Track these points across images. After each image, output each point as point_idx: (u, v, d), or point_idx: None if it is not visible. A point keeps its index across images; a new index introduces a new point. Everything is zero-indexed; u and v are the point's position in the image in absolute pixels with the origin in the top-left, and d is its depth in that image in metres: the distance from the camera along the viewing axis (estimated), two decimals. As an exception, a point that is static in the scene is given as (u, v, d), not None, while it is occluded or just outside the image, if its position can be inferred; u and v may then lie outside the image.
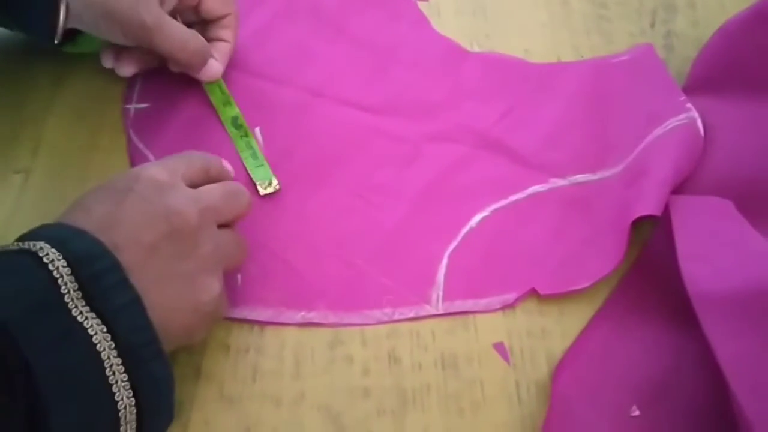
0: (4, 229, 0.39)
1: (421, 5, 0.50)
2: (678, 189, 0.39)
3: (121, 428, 0.28)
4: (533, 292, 0.38)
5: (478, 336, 0.37)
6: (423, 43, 0.47)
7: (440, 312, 0.38)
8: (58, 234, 0.29)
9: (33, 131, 0.43)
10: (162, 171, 0.33)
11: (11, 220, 0.40)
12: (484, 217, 0.41)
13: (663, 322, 0.37)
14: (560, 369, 0.36)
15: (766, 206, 0.38)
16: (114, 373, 0.27)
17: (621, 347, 0.36)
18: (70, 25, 0.38)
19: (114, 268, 0.28)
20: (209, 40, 0.43)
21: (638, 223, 0.38)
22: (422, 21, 0.49)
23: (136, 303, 0.29)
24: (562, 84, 0.45)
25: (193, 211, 0.32)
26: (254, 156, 0.42)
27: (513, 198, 0.41)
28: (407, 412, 0.35)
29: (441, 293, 0.38)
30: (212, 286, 0.33)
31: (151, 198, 0.32)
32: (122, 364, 0.28)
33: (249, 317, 0.37)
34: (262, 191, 0.41)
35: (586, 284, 0.38)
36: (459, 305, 0.38)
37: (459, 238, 0.40)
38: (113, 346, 0.27)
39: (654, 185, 0.38)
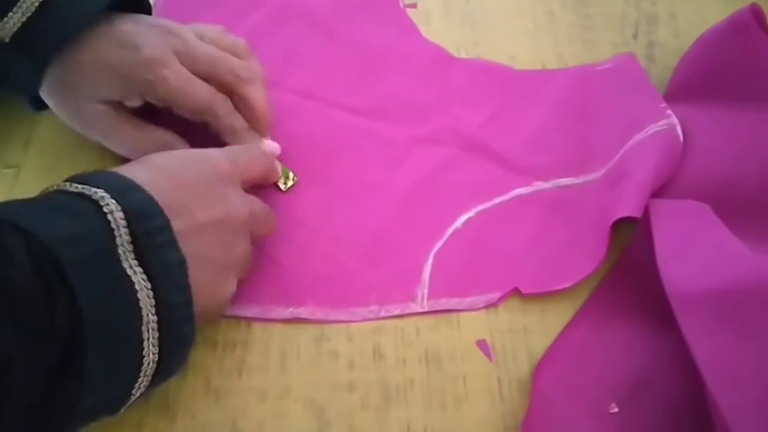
0: (-6, 223, 0.40)
1: (411, 12, 0.51)
2: (657, 193, 0.40)
3: (139, 380, 0.29)
4: (516, 292, 0.39)
5: (462, 333, 0.38)
6: (412, 49, 0.49)
7: (425, 310, 0.38)
8: (118, 184, 0.30)
9: (25, 127, 0.44)
10: (227, 163, 0.35)
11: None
12: (469, 218, 0.41)
13: (642, 321, 0.37)
14: (541, 366, 0.36)
15: (741, 209, 0.39)
16: (148, 330, 0.28)
17: (601, 345, 0.37)
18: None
19: (166, 227, 0.30)
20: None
21: (618, 225, 0.39)
22: (411, 27, 0.50)
23: (181, 265, 0.30)
24: (546, 90, 0.46)
25: (246, 212, 0.35)
26: None
27: (497, 200, 0.42)
28: (391, 407, 0.35)
29: (426, 291, 0.39)
30: (232, 285, 0.35)
31: (213, 184, 0.34)
32: (157, 322, 0.29)
33: (239, 314, 0.38)
34: (283, 187, 0.42)
35: (567, 284, 0.39)
36: (443, 303, 0.39)
37: (444, 238, 0.40)
38: (153, 303, 0.28)
39: (634, 188, 0.39)
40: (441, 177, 0.43)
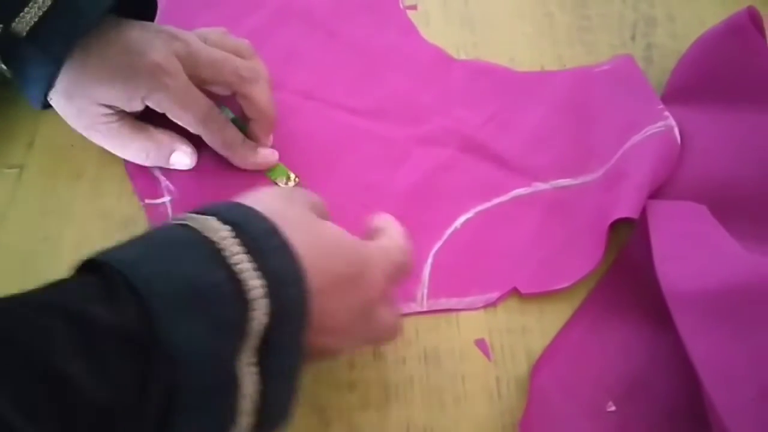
0: (-2, 223, 0.40)
1: (411, 14, 0.51)
2: (655, 194, 0.40)
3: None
4: (515, 291, 0.39)
5: (461, 332, 0.38)
6: (412, 50, 0.49)
7: (425, 309, 0.39)
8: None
9: (28, 127, 0.44)
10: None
11: (5, 215, 0.41)
12: (468, 219, 0.42)
13: (639, 320, 0.38)
14: (539, 365, 0.37)
15: (737, 210, 0.39)
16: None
17: (598, 345, 0.37)
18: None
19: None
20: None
21: (616, 226, 0.39)
22: (411, 29, 0.50)
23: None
24: (545, 91, 0.47)
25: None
26: None
27: (496, 201, 0.42)
28: (390, 406, 0.36)
29: (426, 291, 0.39)
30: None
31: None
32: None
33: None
34: (283, 187, 0.42)
35: (565, 284, 0.39)
36: (443, 303, 0.39)
37: (444, 238, 0.41)
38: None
39: (632, 189, 0.39)
40: (440, 177, 0.43)
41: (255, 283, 0.25)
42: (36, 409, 0.20)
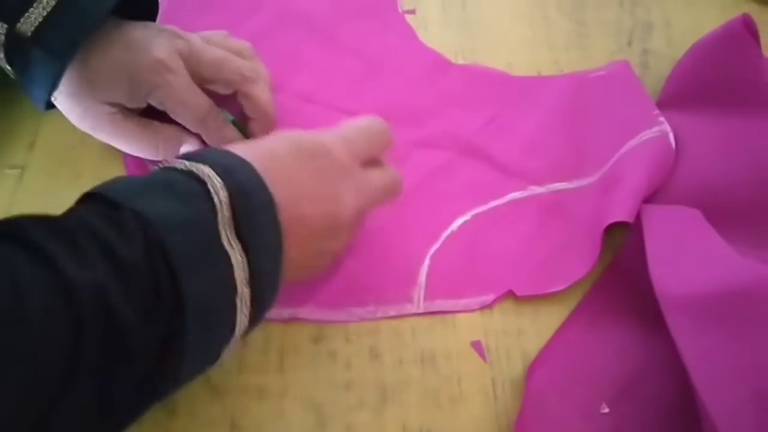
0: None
1: (409, 18, 0.51)
2: (649, 198, 0.41)
3: (230, 344, 0.30)
4: (510, 294, 0.40)
5: (457, 334, 0.39)
6: (410, 54, 0.49)
7: (421, 311, 0.39)
8: (225, 162, 0.31)
9: (29, 127, 0.44)
10: (345, 152, 0.35)
11: (6, 216, 0.41)
12: (465, 221, 0.42)
13: (633, 323, 0.38)
14: (534, 367, 0.37)
15: (731, 215, 0.40)
16: (241, 301, 0.29)
17: (593, 347, 0.38)
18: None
19: (268, 206, 0.30)
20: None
21: (611, 229, 0.40)
22: (409, 33, 0.50)
23: (278, 247, 0.31)
24: (542, 96, 0.47)
25: (354, 207, 0.35)
26: None
27: (493, 204, 0.43)
28: (387, 406, 0.36)
29: (422, 293, 0.40)
30: (323, 262, 0.37)
31: (326, 178, 0.34)
32: (250, 294, 0.30)
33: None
34: None
35: (561, 287, 0.39)
36: (439, 305, 0.39)
37: (441, 240, 0.41)
38: (248, 277, 0.29)
39: (627, 194, 0.40)
40: (438, 180, 0.44)
41: (206, 170, 0.30)
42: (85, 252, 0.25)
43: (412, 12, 0.52)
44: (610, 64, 0.48)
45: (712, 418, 0.31)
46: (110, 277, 0.25)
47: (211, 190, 0.29)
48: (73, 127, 0.42)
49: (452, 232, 0.42)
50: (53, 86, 0.38)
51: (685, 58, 0.45)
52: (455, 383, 0.37)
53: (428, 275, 0.40)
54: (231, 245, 0.29)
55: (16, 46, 0.37)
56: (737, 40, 0.43)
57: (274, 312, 0.38)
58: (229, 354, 0.31)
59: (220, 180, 0.29)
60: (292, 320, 0.39)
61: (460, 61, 0.49)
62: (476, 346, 0.38)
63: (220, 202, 0.29)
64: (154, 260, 0.27)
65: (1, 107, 0.45)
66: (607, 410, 0.36)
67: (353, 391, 0.37)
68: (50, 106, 0.40)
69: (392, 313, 0.39)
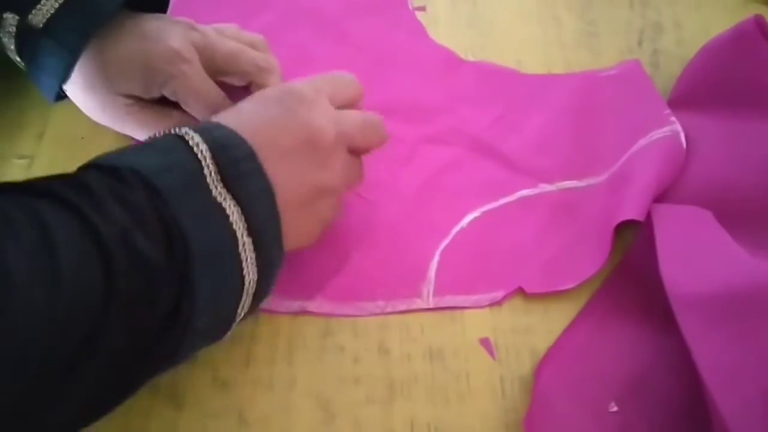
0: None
1: (419, 15, 0.51)
2: (660, 198, 0.41)
3: (242, 300, 0.31)
4: (520, 291, 0.40)
5: (465, 331, 0.38)
6: (420, 51, 0.49)
7: (431, 306, 0.39)
8: (202, 125, 0.32)
9: (38, 118, 0.44)
10: (309, 89, 0.36)
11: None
12: (475, 218, 0.42)
13: (642, 322, 0.38)
14: (543, 365, 0.37)
15: (742, 215, 0.40)
16: (245, 251, 0.30)
17: (602, 346, 0.38)
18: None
19: (250, 156, 0.31)
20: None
21: (621, 228, 0.40)
22: (419, 30, 0.50)
23: (267, 191, 0.31)
24: (552, 94, 0.47)
25: (332, 131, 0.35)
26: None
27: (503, 201, 0.43)
28: (395, 401, 0.36)
29: (432, 288, 0.39)
30: (332, 200, 0.36)
31: (296, 110, 0.34)
32: (252, 243, 0.30)
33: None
34: None
35: (571, 285, 0.39)
36: (449, 301, 0.39)
37: (450, 236, 0.41)
38: (246, 226, 0.30)
39: (637, 193, 0.40)
40: (448, 176, 0.44)
41: (184, 129, 0.31)
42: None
43: (423, 9, 0.52)
44: (621, 63, 0.48)
45: (722, 417, 0.31)
46: (129, 221, 0.26)
47: (190, 143, 0.30)
48: (82, 117, 0.42)
49: (462, 229, 0.42)
50: (64, 78, 0.38)
51: (697, 58, 0.45)
52: (463, 380, 0.37)
53: (438, 271, 0.40)
54: (223, 198, 0.29)
55: (27, 37, 0.37)
56: (749, 41, 0.43)
57: (283, 305, 0.38)
58: (242, 318, 0.32)
59: (198, 135, 0.30)
60: (300, 313, 0.38)
61: (470, 59, 0.49)
62: (485, 343, 0.38)
63: (203, 155, 0.29)
64: (158, 205, 0.28)
65: (10, 98, 0.45)
66: (615, 409, 0.36)
67: (361, 385, 0.36)
68: (60, 98, 0.40)
69: (401, 308, 0.39)
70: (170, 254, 0.27)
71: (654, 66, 0.49)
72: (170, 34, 0.39)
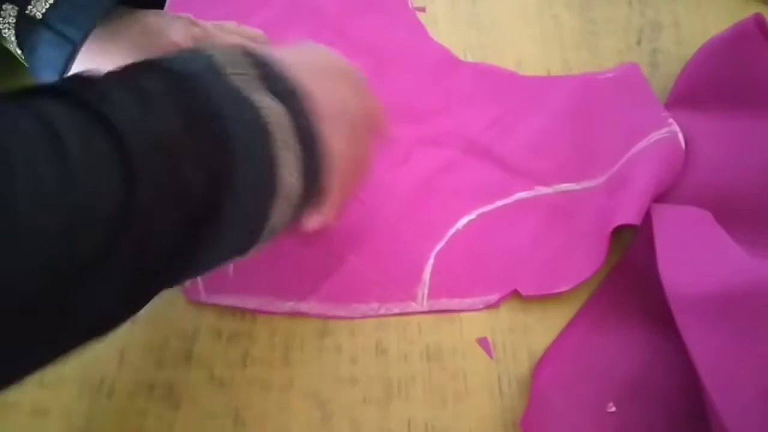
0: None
1: (420, 15, 0.51)
2: (659, 199, 0.41)
3: (274, 201, 0.29)
4: (516, 293, 0.39)
5: (463, 331, 0.38)
6: (419, 50, 0.49)
7: (425, 309, 0.39)
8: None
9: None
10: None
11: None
12: (471, 220, 0.42)
13: (639, 323, 0.38)
14: (541, 365, 0.37)
15: (741, 216, 0.39)
16: (280, 147, 0.28)
17: (599, 346, 0.38)
18: None
19: (271, 60, 0.30)
20: None
21: (618, 230, 0.39)
22: (419, 29, 0.50)
23: (304, 95, 0.30)
24: (550, 97, 0.47)
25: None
26: None
27: (499, 203, 0.43)
28: (392, 401, 0.36)
29: (426, 291, 0.39)
30: (367, 135, 0.36)
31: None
32: (297, 144, 0.29)
33: (239, 305, 0.38)
34: None
35: (567, 287, 0.39)
36: (443, 303, 0.39)
37: (446, 238, 0.41)
38: (289, 124, 0.29)
39: (635, 196, 0.40)
40: (443, 178, 0.43)
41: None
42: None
43: (423, 10, 0.51)
44: (619, 66, 0.48)
45: (721, 417, 0.31)
46: (139, 106, 0.25)
47: (208, 51, 0.29)
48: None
49: (457, 231, 0.41)
50: (64, 70, 0.38)
51: (696, 57, 0.45)
52: (461, 380, 0.37)
53: (432, 273, 0.40)
54: (260, 93, 0.28)
55: (26, 29, 0.37)
56: (749, 40, 0.43)
57: (275, 305, 0.38)
58: (274, 231, 0.30)
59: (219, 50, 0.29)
60: (297, 314, 0.38)
61: (469, 58, 0.49)
62: (483, 343, 0.38)
63: (223, 55, 0.29)
64: (187, 87, 0.27)
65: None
66: (613, 409, 0.36)
67: (358, 385, 0.36)
68: None
69: (396, 311, 0.39)
70: (204, 143, 0.26)
71: (653, 65, 0.49)
72: (171, 28, 0.39)
